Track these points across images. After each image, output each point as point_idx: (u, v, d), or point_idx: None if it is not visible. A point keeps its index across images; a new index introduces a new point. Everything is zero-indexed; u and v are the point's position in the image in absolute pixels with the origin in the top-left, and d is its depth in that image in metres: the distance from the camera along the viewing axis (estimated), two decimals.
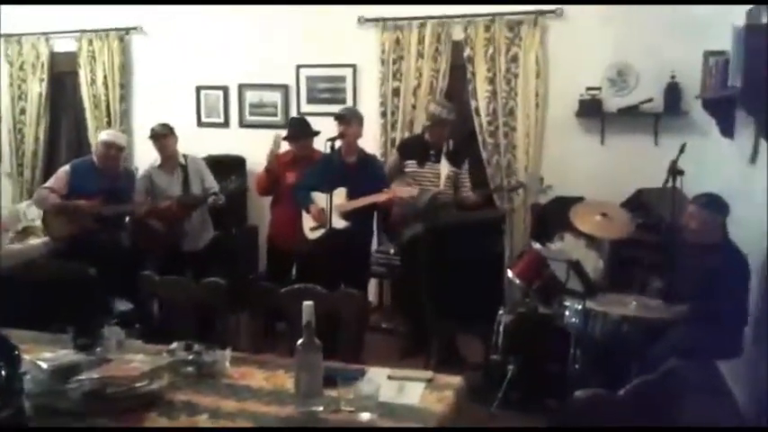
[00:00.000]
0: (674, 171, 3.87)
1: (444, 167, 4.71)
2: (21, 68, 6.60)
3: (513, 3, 5.24)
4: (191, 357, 2.32)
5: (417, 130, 5.45)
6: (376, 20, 5.57)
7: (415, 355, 4.57)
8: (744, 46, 3.12)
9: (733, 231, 3.55)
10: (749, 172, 3.81)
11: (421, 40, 5.46)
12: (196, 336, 2.59)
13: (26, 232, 5.57)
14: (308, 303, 1.99)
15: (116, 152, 4.81)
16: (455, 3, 5.34)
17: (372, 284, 5.41)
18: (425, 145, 4.79)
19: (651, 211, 4.49)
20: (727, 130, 4.25)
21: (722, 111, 4.20)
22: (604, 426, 1.60)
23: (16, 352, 1.98)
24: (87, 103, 6.41)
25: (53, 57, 6.54)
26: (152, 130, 4.83)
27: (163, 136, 4.78)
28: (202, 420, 1.99)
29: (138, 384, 2.05)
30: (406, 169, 4.77)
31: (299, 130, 4.83)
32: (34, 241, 5.26)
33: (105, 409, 2.00)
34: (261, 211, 5.60)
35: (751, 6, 3.67)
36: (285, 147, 4.89)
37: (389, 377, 2.23)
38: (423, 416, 2.00)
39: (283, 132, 4.89)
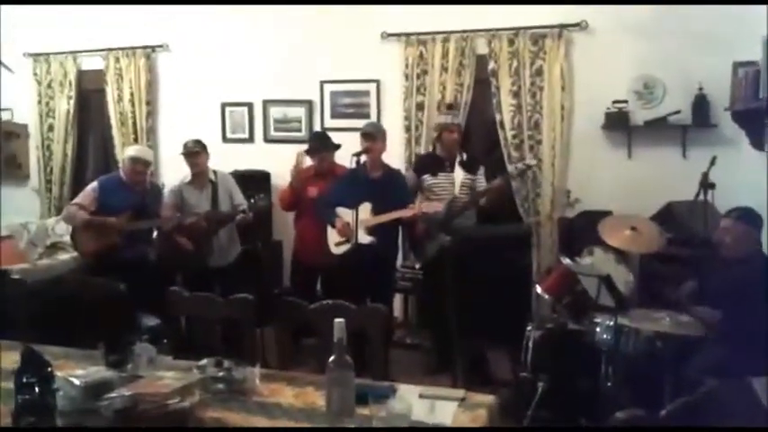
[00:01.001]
0: (706, 184, 3.81)
1: (459, 175, 4.72)
2: (49, 86, 6.70)
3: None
4: (221, 374, 2.31)
5: None
6: (399, 35, 5.59)
7: (441, 372, 4.53)
8: None
9: (765, 244, 3.49)
10: None
11: (445, 55, 5.45)
12: (223, 351, 2.59)
13: (54, 248, 5.63)
14: (339, 320, 1.97)
15: (143, 167, 4.84)
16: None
17: (397, 300, 5.38)
18: (438, 158, 4.80)
19: (681, 224, 4.42)
20: (758, 142, 4.19)
21: (753, 122, 4.14)
22: None
23: (49, 369, 1.99)
24: (114, 120, 6.49)
25: (80, 75, 6.64)
26: (185, 146, 4.86)
27: (196, 153, 4.82)
28: None
29: (169, 402, 2.04)
30: (424, 184, 4.79)
31: (320, 144, 4.86)
32: (63, 257, 5.31)
33: (137, 427, 1.99)
34: (285, 225, 5.61)
35: None
36: (307, 161, 4.91)
37: (421, 395, 2.20)
38: None
39: (304, 147, 4.92)
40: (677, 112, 4.97)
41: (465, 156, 4.81)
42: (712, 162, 3.90)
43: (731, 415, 1.95)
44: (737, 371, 3.26)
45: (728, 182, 4.13)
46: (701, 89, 4.89)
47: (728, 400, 2.21)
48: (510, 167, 4.74)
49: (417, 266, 5.12)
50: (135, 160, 4.80)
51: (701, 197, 3.88)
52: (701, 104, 4.90)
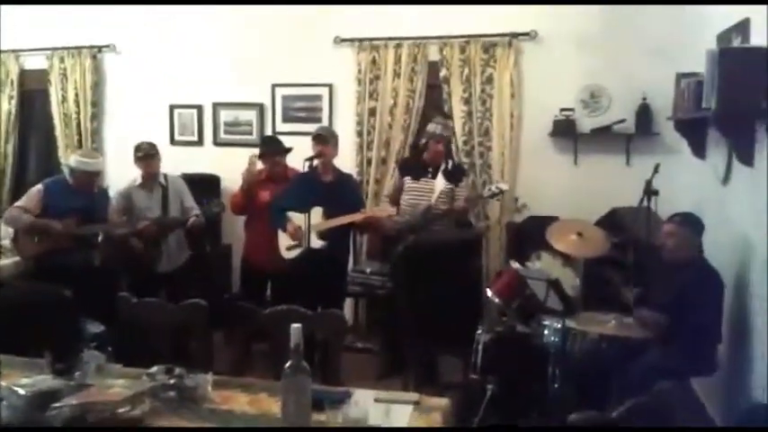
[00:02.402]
0: (649, 191, 3.92)
1: (440, 183, 4.76)
2: None
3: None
4: (172, 381, 2.27)
5: (394, 149, 5.53)
6: (352, 40, 5.60)
7: (391, 375, 4.55)
8: (718, 69, 3.18)
9: (705, 250, 3.61)
10: (721, 192, 3.89)
11: (397, 60, 5.49)
12: (170, 357, 2.54)
13: None
14: (296, 326, 1.96)
15: (94, 178, 4.75)
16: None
17: (348, 304, 5.37)
18: (423, 163, 4.83)
19: (625, 230, 4.54)
20: (699, 150, 4.33)
21: (694, 132, 4.27)
22: None
23: None
24: (57, 121, 6.32)
25: (23, 74, 6.44)
26: (141, 149, 4.76)
27: (152, 155, 4.74)
28: None
29: (119, 410, 2.01)
30: (405, 186, 4.83)
31: (271, 148, 4.86)
32: (3, 262, 5.13)
33: None
34: (234, 229, 5.55)
35: (721, 30, 3.77)
36: (259, 165, 4.88)
37: (376, 400, 2.21)
38: None
39: (256, 151, 4.88)
40: (622, 121, 5.12)
41: (450, 165, 4.86)
42: (656, 169, 4.01)
43: (675, 415, 2.02)
44: (680, 372, 3.39)
45: (670, 189, 4.26)
46: (644, 99, 5.05)
47: (674, 401, 2.29)
48: (484, 190, 4.86)
49: (368, 271, 5.13)
50: (88, 174, 4.66)
51: (645, 203, 3.99)
52: (644, 113, 5.07)
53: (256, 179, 4.82)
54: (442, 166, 4.82)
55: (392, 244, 4.66)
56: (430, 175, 4.80)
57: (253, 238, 4.95)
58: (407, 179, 4.84)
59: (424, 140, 4.92)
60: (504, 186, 4.75)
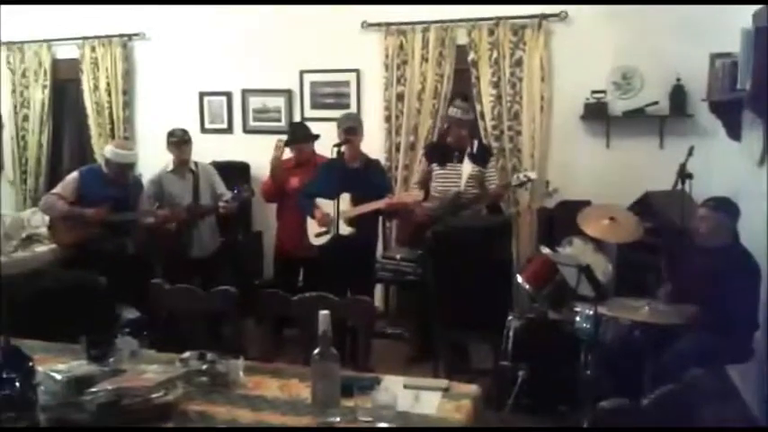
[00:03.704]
0: (683, 174, 3.85)
1: (467, 167, 4.73)
2: (23, 76, 6.59)
3: (518, 3, 5.22)
4: (204, 367, 2.30)
5: (422, 134, 5.49)
6: (379, 24, 5.56)
7: (421, 361, 4.56)
8: (753, 48, 3.10)
9: (741, 234, 3.54)
10: (758, 174, 3.80)
11: (425, 45, 5.45)
12: (202, 343, 2.57)
13: (30, 240, 5.54)
14: (324, 313, 1.98)
15: (130, 169, 4.86)
16: (458, 2, 5.33)
17: (378, 290, 5.38)
18: (448, 148, 4.79)
19: (658, 214, 4.47)
20: (735, 132, 4.24)
21: (729, 113, 4.18)
22: None
23: (30, 363, 1.97)
24: (90, 110, 6.41)
25: (55, 64, 6.54)
26: (175, 134, 4.82)
27: (185, 141, 4.81)
28: None
29: (153, 395, 2.04)
30: (433, 173, 4.81)
31: (299, 135, 4.86)
32: (39, 249, 5.24)
33: (120, 421, 1.98)
34: (265, 216, 5.59)
35: (757, 8, 3.67)
36: (287, 153, 4.89)
37: (405, 386, 2.21)
38: (441, 426, 1.98)
39: (284, 138, 4.90)
40: (655, 103, 5.03)
41: (476, 147, 4.82)
42: (690, 152, 3.95)
43: (709, 403, 1.99)
44: (715, 359, 3.33)
45: (705, 172, 4.18)
46: (678, 80, 4.95)
47: (707, 389, 2.26)
48: (512, 178, 4.81)
49: (399, 257, 5.12)
50: (122, 166, 4.75)
51: (679, 187, 3.92)
52: (678, 95, 4.97)
53: (285, 166, 4.84)
54: (468, 150, 4.78)
55: (422, 230, 4.64)
56: (456, 160, 4.77)
57: (284, 225, 4.98)
58: (434, 165, 4.81)
59: (446, 125, 4.88)
60: (533, 175, 4.69)
